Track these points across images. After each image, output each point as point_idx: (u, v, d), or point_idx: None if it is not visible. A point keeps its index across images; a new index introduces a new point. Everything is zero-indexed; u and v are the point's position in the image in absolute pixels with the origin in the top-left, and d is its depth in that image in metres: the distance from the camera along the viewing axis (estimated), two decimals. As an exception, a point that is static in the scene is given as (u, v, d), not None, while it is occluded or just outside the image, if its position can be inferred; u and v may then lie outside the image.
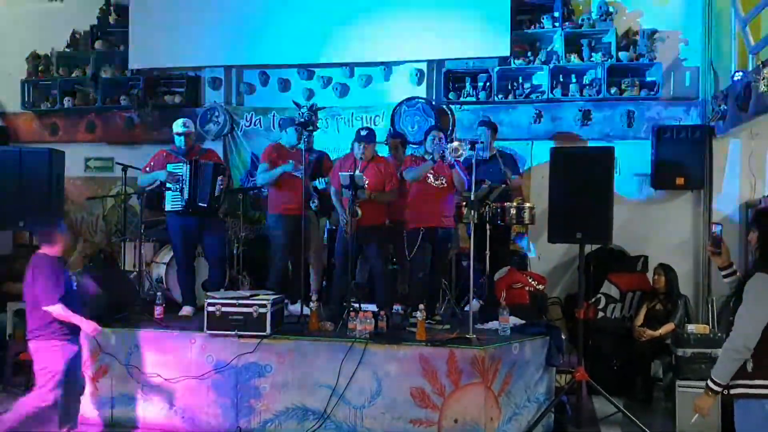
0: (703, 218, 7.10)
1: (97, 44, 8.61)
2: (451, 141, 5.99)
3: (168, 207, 6.11)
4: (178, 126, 6.16)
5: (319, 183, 6.23)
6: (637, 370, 6.23)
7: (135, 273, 6.80)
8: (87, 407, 5.51)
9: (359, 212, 5.50)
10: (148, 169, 6.21)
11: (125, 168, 6.90)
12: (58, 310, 4.56)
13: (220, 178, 6.06)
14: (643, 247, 7.09)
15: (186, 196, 5.99)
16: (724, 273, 3.48)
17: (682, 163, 6.93)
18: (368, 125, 7.50)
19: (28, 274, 4.64)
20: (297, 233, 5.84)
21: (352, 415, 5.07)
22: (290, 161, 5.94)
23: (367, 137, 5.79)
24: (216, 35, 8.03)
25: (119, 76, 8.47)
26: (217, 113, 8.12)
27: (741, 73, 6.24)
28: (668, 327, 6.07)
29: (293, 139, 6.16)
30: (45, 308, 4.55)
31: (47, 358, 4.61)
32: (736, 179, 7.00)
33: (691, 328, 5.66)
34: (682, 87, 7.31)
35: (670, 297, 6.27)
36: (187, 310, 6.16)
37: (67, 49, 8.74)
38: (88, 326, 4.72)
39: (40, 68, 8.72)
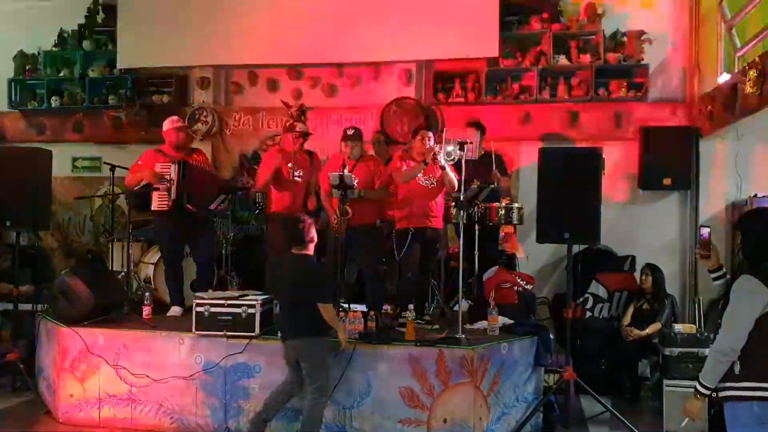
0: (689, 219, 7.15)
1: (85, 43, 8.57)
2: (442, 142, 5.99)
3: (155, 207, 6.08)
4: (173, 121, 6.17)
5: None
6: (625, 370, 6.27)
7: (123, 273, 6.77)
8: (74, 408, 5.50)
9: (349, 211, 5.51)
10: (135, 169, 6.18)
11: (113, 168, 6.88)
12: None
13: (222, 197, 6.06)
14: (631, 247, 7.13)
15: (173, 196, 5.97)
16: (713, 275, 3.48)
17: (669, 164, 6.98)
18: (357, 125, 7.48)
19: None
20: None
21: (341, 415, 5.06)
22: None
23: (354, 136, 5.81)
24: (204, 35, 8.00)
25: (107, 75, 8.43)
26: (205, 113, 8.11)
27: (727, 75, 6.31)
28: (655, 326, 6.11)
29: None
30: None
31: None
32: (722, 180, 7.06)
33: (678, 327, 5.70)
34: (670, 88, 7.36)
35: (657, 297, 6.31)
36: (175, 310, 6.13)
37: (55, 48, 8.69)
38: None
39: (27, 67, 8.66)
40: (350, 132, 5.86)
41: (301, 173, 6.00)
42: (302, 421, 4.72)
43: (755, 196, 6.61)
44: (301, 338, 4.68)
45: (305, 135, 6.07)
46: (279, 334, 4.83)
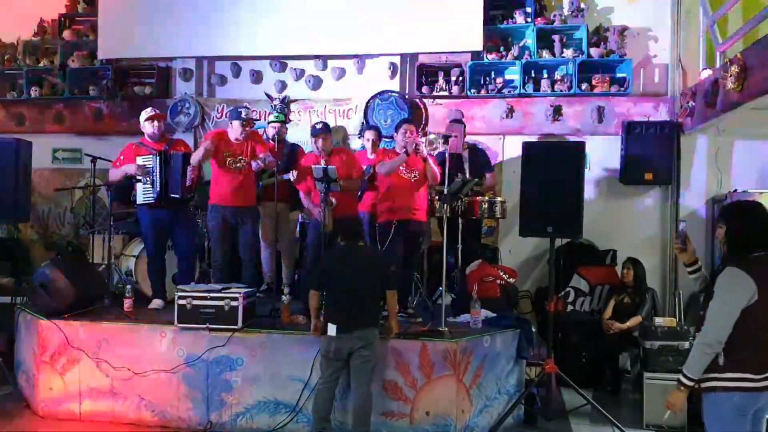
0: (670, 213, 7.22)
1: (66, 33, 8.48)
2: (425, 135, 6.00)
3: (140, 200, 6.03)
4: (147, 112, 6.12)
5: (293, 176, 6.19)
6: (606, 363, 6.32)
7: (104, 266, 6.72)
8: (54, 402, 5.45)
9: (334, 201, 5.51)
10: (117, 164, 6.13)
11: (94, 159, 6.80)
12: None
13: (190, 167, 5.98)
14: (612, 241, 7.19)
15: (158, 188, 5.92)
16: (689, 269, 3.52)
17: (650, 159, 7.03)
18: (341, 118, 7.49)
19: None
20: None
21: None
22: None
23: (322, 130, 5.80)
24: (187, 25, 7.94)
25: (88, 66, 8.34)
26: (187, 105, 8.05)
27: (709, 70, 6.36)
28: (636, 320, 6.16)
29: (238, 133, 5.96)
30: None
31: None
32: (703, 175, 7.13)
33: (658, 321, 5.74)
34: (652, 83, 7.42)
35: (638, 290, 6.36)
36: (157, 302, 6.10)
37: (35, 38, 8.60)
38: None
39: (6, 57, 8.56)
40: (318, 126, 5.85)
41: (244, 162, 5.88)
42: (357, 414, 4.75)
43: (735, 191, 6.69)
44: (369, 328, 4.74)
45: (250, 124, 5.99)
46: (335, 328, 4.65)
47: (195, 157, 5.89)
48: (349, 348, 4.67)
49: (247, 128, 5.93)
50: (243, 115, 5.91)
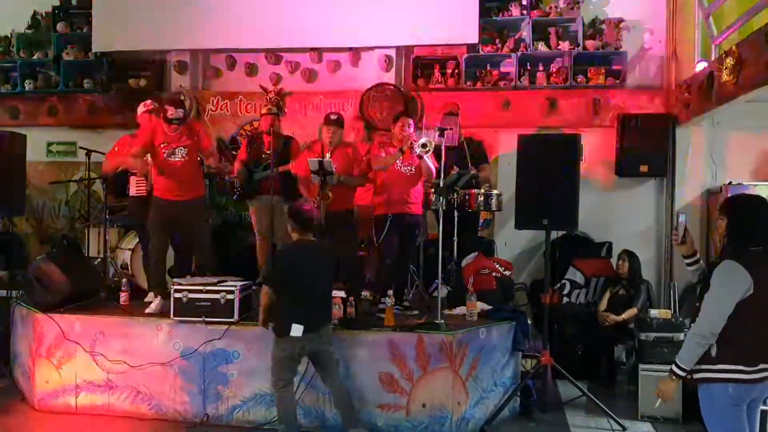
0: (665, 205, 7.23)
1: (60, 26, 8.42)
2: (419, 129, 5.99)
3: (133, 192, 6.03)
4: (145, 105, 6.09)
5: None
6: (601, 354, 6.34)
7: (99, 259, 6.71)
8: (51, 395, 5.45)
9: (330, 195, 5.50)
10: (111, 155, 6.11)
11: (89, 153, 6.78)
12: None
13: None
14: (608, 233, 7.20)
15: (151, 181, 5.91)
16: (688, 261, 3.52)
17: (645, 151, 7.04)
18: (336, 111, 7.45)
19: None
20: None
21: (320, 401, 5.07)
22: None
23: (336, 121, 5.80)
24: (182, 18, 7.88)
25: (82, 59, 8.30)
26: (182, 97, 8.00)
27: (704, 63, 6.36)
28: (631, 312, 6.17)
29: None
30: None
31: None
32: (698, 167, 7.13)
33: (653, 312, 5.76)
34: (647, 76, 7.42)
35: (633, 282, 6.38)
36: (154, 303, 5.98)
37: (29, 31, 8.54)
38: None
39: (0, 50, 8.50)
40: (333, 117, 5.84)
41: (186, 154, 5.67)
42: (347, 411, 4.74)
43: (730, 183, 6.69)
44: (329, 323, 4.78)
45: (178, 120, 5.65)
46: (301, 329, 4.51)
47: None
48: (316, 347, 4.63)
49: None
50: (169, 115, 5.59)
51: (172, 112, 5.57)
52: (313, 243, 4.77)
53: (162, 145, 5.64)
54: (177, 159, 5.65)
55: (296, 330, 4.50)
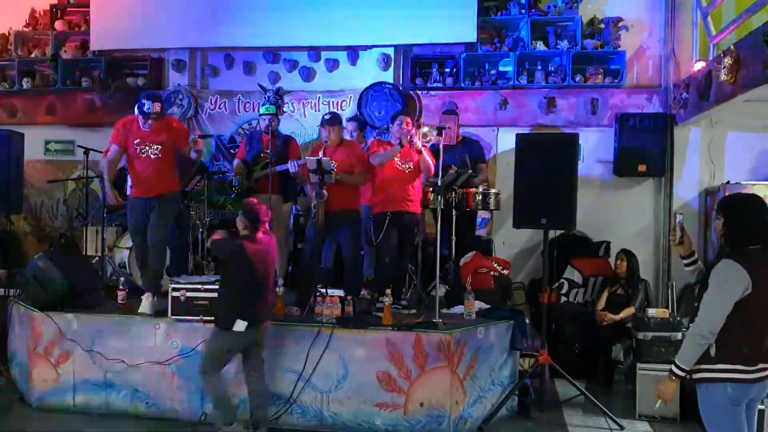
0: (664, 205, 7.23)
1: (58, 24, 8.42)
2: (419, 127, 5.99)
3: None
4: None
5: (292, 167, 6.15)
6: (599, 354, 6.33)
7: (97, 258, 6.70)
8: (48, 394, 5.44)
9: (326, 194, 5.49)
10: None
11: (87, 151, 6.77)
12: None
13: (197, 177, 5.90)
14: (606, 232, 7.20)
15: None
16: (686, 262, 3.51)
17: (644, 151, 7.03)
18: (335, 110, 7.46)
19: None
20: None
21: (318, 400, 5.08)
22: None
23: (331, 120, 5.79)
24: (180, 16, 7.90)
25: (80, 57, 8.28)
26: (181, 96, 8.00)
27: (702, 62, 6.37)
28: (629, 311, 6.18)
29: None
30: None
31: None
32: (696, 166, 7.15)
33: (651, 312, 5.77)
34: (645, 75, 7.42)
35: (631, 282, 6.38)
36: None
37: (26, 29, 8.53)
38: None
39: (-3, 48, 8.50)
40: (327, 117, 5.84)
41: (159, 151, 5.55)
42: (259, 399, 4.80)
43: (728, 182, 6.70)
44: (267, 321, 4.84)
45: (155, 115, 5.49)
46: (245, 324, 4.56)
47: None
48: (253, 341, 4.74)
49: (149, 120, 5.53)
50: (146, 109, 5.47)
51: (148, 105, 5.47)
52: (261, 240, 4.77)
53: (135, 141, 5.55)
54: (149, 155, 5.55)
55: (239, 325, 4.57)
